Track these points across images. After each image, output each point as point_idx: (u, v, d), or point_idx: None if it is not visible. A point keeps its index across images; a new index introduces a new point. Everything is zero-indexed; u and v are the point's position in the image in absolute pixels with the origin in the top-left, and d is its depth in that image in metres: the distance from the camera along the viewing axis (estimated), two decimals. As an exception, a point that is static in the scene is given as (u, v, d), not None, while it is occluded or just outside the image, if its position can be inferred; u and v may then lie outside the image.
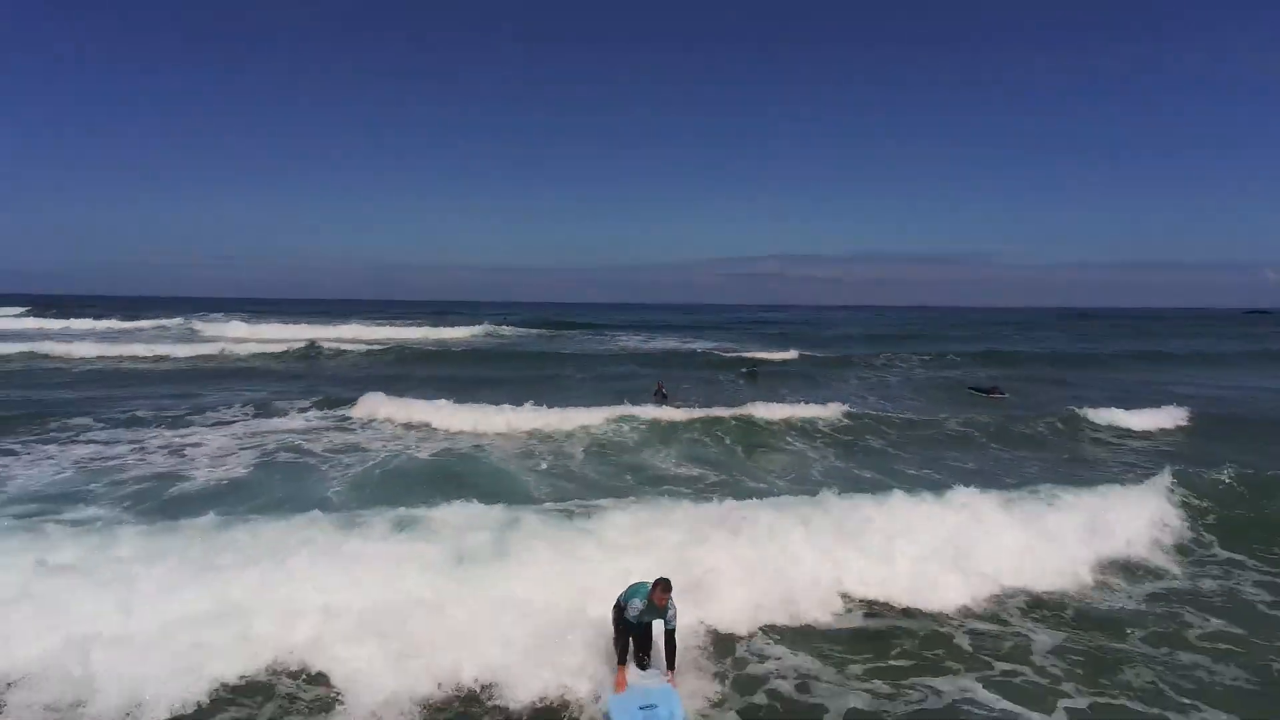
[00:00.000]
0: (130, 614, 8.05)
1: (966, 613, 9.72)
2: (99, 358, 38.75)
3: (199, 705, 7.23)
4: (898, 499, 11.97)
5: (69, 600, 8.16)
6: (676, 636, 7.59)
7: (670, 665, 7.59)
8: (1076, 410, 23.39)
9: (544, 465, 17.09)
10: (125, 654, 7.47)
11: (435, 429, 20.27)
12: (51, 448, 17.34)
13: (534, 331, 68.66)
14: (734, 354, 45.60)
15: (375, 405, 21.90)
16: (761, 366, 38.69)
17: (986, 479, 14.72)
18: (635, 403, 22.72)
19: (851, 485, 14.93)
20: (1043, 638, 9.15)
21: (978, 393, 31.10)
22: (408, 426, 20.45)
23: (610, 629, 7.76)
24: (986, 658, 8.68)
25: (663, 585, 7.52)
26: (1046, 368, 40.18)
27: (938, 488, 12.78)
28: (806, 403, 23.65)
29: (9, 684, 7.31)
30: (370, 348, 45.66)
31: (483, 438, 19.45)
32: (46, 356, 38.63)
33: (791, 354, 45.30)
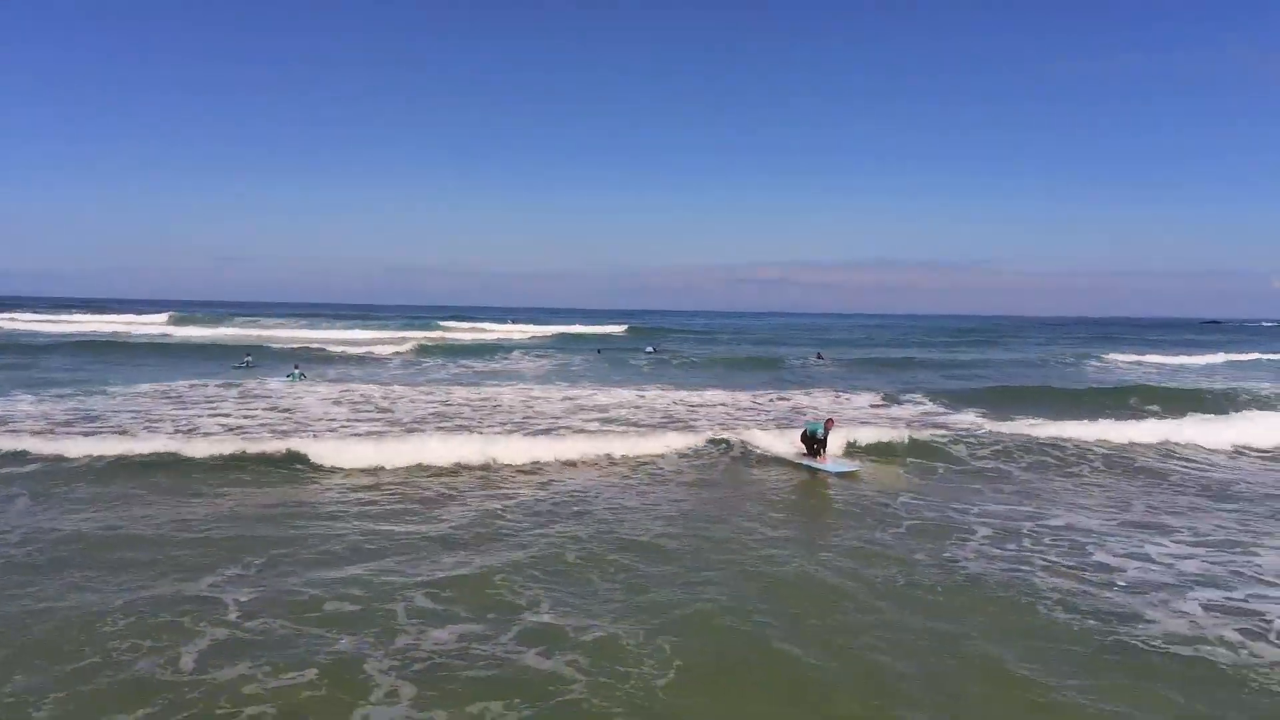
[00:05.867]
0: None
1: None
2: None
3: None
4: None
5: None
6: (829, 444, 17.30)
7: (824, 453, 17.18)
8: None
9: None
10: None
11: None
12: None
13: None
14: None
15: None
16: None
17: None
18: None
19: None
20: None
21: (813, 356, 50.81)
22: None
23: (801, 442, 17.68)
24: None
25: (830, 422, 17.64)
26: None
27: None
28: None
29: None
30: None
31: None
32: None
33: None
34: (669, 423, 22.38)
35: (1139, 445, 19.60)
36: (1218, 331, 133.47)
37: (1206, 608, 9.48)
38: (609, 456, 17.48)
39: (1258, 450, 19.90)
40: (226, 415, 21.90)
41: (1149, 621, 9.01)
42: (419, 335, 64.49)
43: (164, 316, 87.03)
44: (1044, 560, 11.30)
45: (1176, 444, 20.11)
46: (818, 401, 27.89)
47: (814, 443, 17.29)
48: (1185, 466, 18.22)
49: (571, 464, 16.88)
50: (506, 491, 14.56)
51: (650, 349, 55.79)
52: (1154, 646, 8.35)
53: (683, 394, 28.79)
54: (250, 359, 38.98)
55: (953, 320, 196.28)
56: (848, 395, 29.48)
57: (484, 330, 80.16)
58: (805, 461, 17.33)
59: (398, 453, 16.51)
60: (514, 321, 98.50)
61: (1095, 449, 19.20)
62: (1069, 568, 11.00)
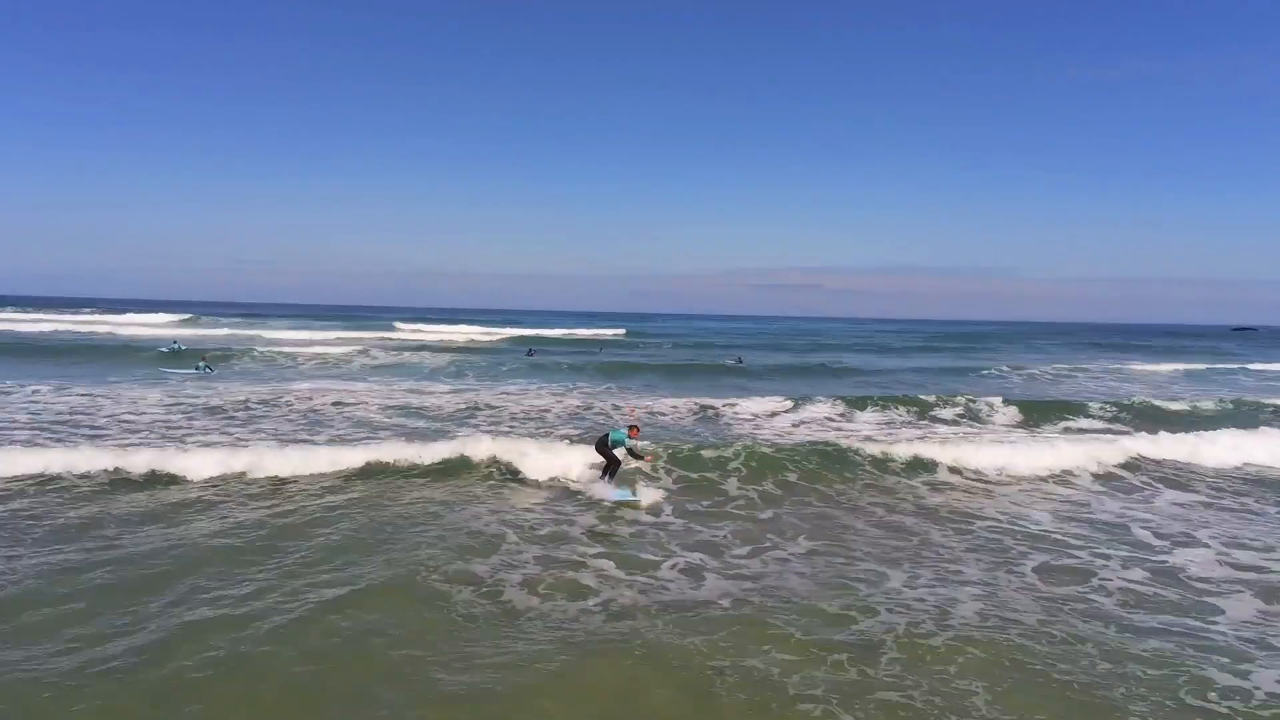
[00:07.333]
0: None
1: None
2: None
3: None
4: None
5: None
6: (634, 454, 14.73)
7: (637, 458, 14.83)
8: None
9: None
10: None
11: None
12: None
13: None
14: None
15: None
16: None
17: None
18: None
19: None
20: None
21: (730, 361, 51.74)
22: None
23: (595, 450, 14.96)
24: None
25: (635, 428, 14.96)
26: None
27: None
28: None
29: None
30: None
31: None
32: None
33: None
34: (470, 421, 24.00)
35: (852, 449, 19.37)
36: (1241, 339, 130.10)
37: (602, 576, 11.08)
38: (326, 464, 16.70)
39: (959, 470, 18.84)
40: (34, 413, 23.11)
41: (530, 582, 10.63)
42: (365, 335, 66.89)
43: (162, 317, 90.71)
44: (578, 529, 13.18)
45: (899, 455, 19.35)
46: (672, 404, 28.45)
47: (613, 453, 14.57)
48: (862, 476, 18.12)
49: (239, 476, 15.94)
50: (108, 507, 13.69)
51: (598, 350, 61.72)
52: (502, 604, 9.90)
53: (536, 391, 32.36)
54: (177, 344, 46.64)
55: (963, 326, 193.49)
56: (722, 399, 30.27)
57: (430, 332, 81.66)
58: (596, 485, 14.66)
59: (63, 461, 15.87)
60: (506, 324, 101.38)
61: (812, 453, 18.95)
62: (600, 533, 12.95)
